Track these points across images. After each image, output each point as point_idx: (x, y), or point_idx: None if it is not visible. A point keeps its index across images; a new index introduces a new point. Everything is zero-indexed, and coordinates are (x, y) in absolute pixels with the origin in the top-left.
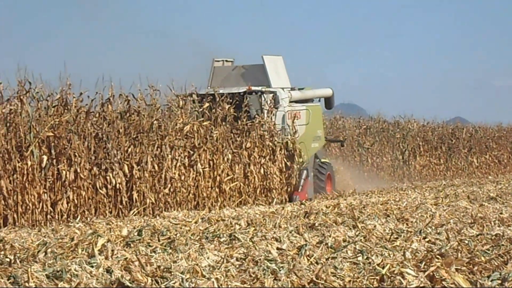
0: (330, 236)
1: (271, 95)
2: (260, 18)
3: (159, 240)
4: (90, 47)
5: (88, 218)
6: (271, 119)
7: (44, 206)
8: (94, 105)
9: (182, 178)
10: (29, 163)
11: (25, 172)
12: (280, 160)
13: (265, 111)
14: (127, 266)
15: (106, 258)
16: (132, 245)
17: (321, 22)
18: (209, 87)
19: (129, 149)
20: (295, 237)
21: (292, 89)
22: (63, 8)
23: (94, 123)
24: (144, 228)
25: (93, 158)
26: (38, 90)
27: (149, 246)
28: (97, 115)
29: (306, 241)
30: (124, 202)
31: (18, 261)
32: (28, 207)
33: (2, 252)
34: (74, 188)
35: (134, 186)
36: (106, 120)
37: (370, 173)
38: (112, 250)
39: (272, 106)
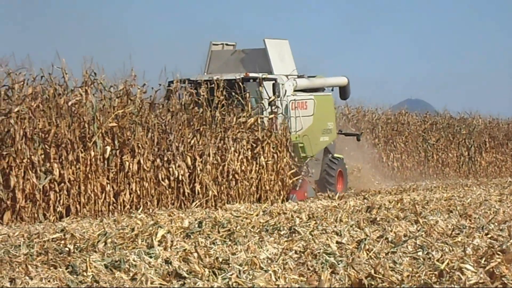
0: (391, 230)
1: (271, 82)
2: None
3: (219, 232)
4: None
5: (150, 210)
6: (271, 109)
7: (107, 196)
8: (158, 96)
9: (245, 170)
10: (93, 153)
11: (88, 163)
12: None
13: (265, 100)
14: (186, 257)
15: (165, 249)
16: (192, 237)
17: (386, 18)
18: (205, 73)
19: (192, 141)
20: (356, 231)
21: (300, 76)
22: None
23: (158, 114)
24: (205, 220)
25: (156, 149)
26: (101, 81)
27: (209, 237)
28: (160, 106)
29: (366, 235)
30: (186, 194)
31: (77, 251)
32: (90, 198)
33: (63, 242)
34: (137, 179)
35: (196, 178)
36: (169, 112)
37: (435, 169)
38: (172, 241)
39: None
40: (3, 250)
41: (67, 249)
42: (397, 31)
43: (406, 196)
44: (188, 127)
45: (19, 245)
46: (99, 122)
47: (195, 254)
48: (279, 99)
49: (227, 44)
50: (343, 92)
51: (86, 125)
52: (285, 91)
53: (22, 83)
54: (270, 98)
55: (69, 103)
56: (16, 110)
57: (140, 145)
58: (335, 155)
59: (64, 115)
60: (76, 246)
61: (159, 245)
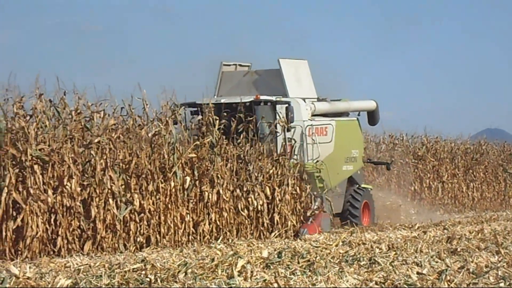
0: (472, 261)
1: (284, 106)
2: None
3: (298, 263)
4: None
5: (230, 240)
6: (285, 135)
7: (187, 227)
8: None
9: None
10: (172, 184)
11: (168, 193)
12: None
13: (278, 126)
14: (266, 287)
15: (245, 279)
16: (271, 267)
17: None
18: (215, 96)
19: (271, 171)
20: (436, 262)
21: (321, 99)
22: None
23: (236, 144)
24: (285, 250)
25: (235, 180)
26: (181, 112)
27: (289, 268)
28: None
29: (447, 266)
30: (265, 224)
31: (158, 281)
32: (170, 228)
33: (143, 272)
34: (216, 210)
35: (275, 208)
36: (248, 142)
37: None
38: (252, 272)
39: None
40: (84, 281)
41: (148, 279)
42: (477, 60)
43: (486, 227)
44: (266, 157)
45: (101, 275)
46: (178, 153)
47: (275, 285)
48: (293, 124)
49: (240, 65)
50: (371, 117)
51: (166, 156)
52: (302, 115)
53: (102, 114)
54: (283, 122)
55: (149, 134)
56: (96, 141)
57: (219, 176)
58: (362, 185)
59: (144, 145)
60: (156, 277)
61: (239, 276)
